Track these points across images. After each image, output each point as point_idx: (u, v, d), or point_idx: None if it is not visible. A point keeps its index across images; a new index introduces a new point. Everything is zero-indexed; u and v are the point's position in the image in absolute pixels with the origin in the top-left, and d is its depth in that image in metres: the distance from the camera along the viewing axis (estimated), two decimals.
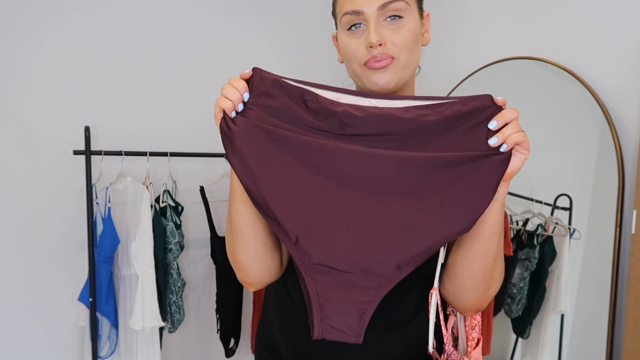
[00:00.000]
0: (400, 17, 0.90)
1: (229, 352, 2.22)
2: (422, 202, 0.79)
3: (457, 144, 0.80)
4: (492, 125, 0.80)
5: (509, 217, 2.01)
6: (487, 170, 0.80)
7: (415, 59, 0.96)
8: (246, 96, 0.85)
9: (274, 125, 0.82)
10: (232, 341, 2.22)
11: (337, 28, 0.98)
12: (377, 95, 0.84)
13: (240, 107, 0.84)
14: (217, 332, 2.22)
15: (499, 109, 0.81)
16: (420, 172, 0.79)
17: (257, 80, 0.85)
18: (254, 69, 0.87)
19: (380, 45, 0.88)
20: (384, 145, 0.80)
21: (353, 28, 0.92)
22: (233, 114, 0.84)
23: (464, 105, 0.81)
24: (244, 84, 0.85)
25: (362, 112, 0.80)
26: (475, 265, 0.88)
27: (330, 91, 0.84)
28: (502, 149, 0.81)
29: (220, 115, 0.85)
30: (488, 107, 0.81)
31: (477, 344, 0.98)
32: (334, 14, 0.99)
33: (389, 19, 0.90)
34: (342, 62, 1.01)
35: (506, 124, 0.81)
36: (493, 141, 0.80)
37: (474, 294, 0.91)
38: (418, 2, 0.96)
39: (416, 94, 1.06)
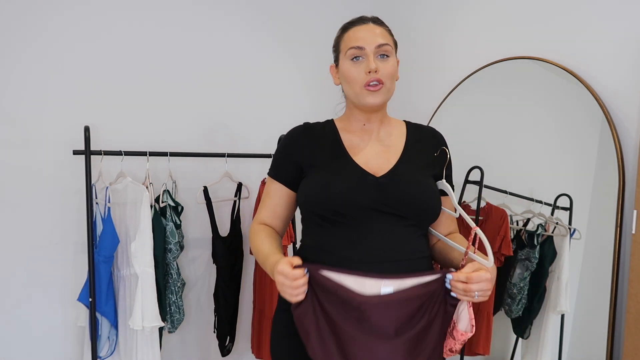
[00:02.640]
0: (387, 56, 1.25)
1: (225, 351, 2.22)
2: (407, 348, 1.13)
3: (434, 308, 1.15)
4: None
5: (509, 217, 2.01)
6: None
7: (394, 87, 1.28)
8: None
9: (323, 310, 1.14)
10: (228, 339, 2.22)
11: (339, 59, 1.28)
12: (388, 276, 1.13)
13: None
14: (214, 332, 2.22)
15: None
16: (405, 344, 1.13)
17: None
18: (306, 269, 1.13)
19: (376, 71, 1.21)
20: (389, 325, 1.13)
21: (355, 59, 1.24)
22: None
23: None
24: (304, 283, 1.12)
25: (377, 300, 1.13)
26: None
27: (353, 276, 1.13)
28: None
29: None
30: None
31: None
32: (337, 49, 1.30)
33: (379, 57, 1.24)
34: (339, 84, 1.31)
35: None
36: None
37: None
38: (395, 49, 1.29)
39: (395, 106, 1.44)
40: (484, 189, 2.07)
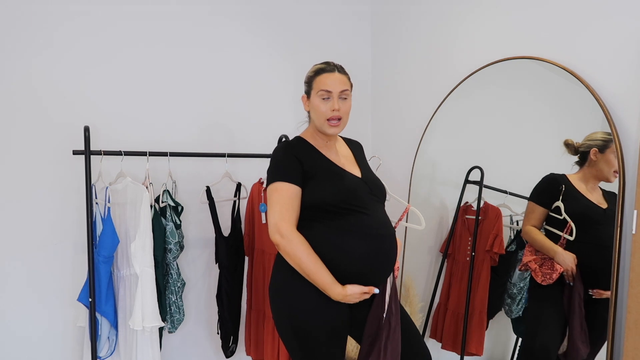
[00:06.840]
0: (346, 98, 1.66)
1: (228, 352, 2.22)
2: None
3: None
4: None
5: (509, 217, 2.01)
6: None
7: (348, 120, 1.69)
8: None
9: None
10: (231, 340, 2.22)
11: (310, 93, 1.66)
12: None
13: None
14: (218, 333, 2.22)
15: None
16: None
17: None
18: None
19: (338, 110, 1.62)
20: None
21: (324, 99, 1.63)
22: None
23: None
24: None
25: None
26: None
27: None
28: None
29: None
30: None
31: None
32: (310, 85, 1.66)
33: (341, 99, 1.64)
34: (308, 111, 1.70)
35: None
36: None
37: None
38: (351, 91, 1.70)
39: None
40: (484, 189, 2.07)
